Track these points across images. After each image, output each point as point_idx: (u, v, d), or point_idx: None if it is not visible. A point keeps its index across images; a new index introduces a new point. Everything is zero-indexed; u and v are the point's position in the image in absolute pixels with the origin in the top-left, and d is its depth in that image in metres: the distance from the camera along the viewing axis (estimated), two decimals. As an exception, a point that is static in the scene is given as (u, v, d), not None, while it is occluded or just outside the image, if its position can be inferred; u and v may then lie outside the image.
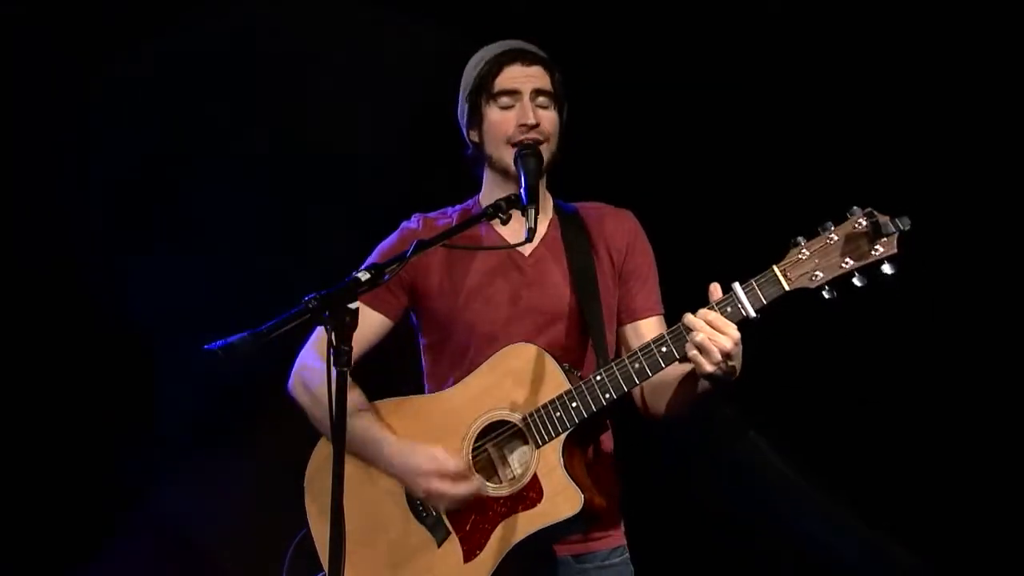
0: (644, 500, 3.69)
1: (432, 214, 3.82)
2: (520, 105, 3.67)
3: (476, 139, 3.76)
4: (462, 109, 3.78)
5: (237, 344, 2.99)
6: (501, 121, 3.68)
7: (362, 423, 3.64)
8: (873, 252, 3.30)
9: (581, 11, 5.21)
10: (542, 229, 3.76)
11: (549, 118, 3.69)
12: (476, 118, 3.73)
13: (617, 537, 3.72)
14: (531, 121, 3.65)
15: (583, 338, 3.71)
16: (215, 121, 5.37)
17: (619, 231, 3.80)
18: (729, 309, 3.39)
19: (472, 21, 5.14)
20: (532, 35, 3.86)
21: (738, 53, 5.17)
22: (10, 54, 5.34)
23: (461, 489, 3.54)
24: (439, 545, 3.59)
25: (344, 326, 3.04)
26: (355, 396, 3.66)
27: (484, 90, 3.70)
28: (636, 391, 3.67)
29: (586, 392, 3.52)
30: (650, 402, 3.68)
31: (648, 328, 3.75)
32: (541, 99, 3.69)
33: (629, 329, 3.76)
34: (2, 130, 5.37)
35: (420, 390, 3.81)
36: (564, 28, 5.11)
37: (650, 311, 3.77)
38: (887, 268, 3.30)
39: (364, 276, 3.14)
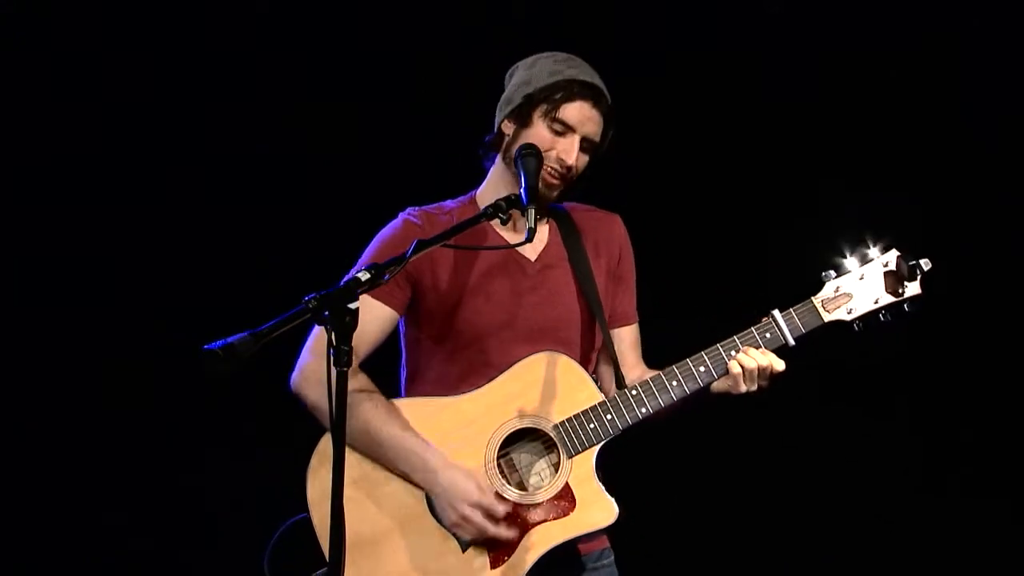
0: (628, 500, 3.68)
1: (430, 208, 3.78)
2: (570, 139, 3.64)
3: (508, 131, 3.70)
4: (511, 97, 3.71)
5: (237, 344, 2.97)
6: (547, 140, 3.64)
7: (394, 431, 3.58)
8: (901, 292, 3.59)
9: (590, 12, 5.21)
10: (543, 234, 3.75)
11: (584, 161, 3.69)
12: (522, 117, 3.67)
13: (603, 540, 3.73)
14: (571, 162, 3.63)
15: (591, 342, 3.73)
16: (214, 119, 5.38)
17: (612, 235, 3.82)
18: (768, 335, 3.57)
19: (472, 16, 5.16)
20: (535, 32, 3.85)
21: (744, 53, 5.18)
22: (10, 53, 5.35)
23: (502, 532, 3.53)
24: (463, 550, 3.56)
25: (344, 326, 3.03)
26: (381, 400, 3.62)
27: (546, 104, 3.64)
28: None
29: (621, 405, 3.56)
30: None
31: (627, 335, 3.81)
32: (586, 144, 3.68)
33: (612, 333, 3.77)
34: (2, 128, 5.38)
35: (396, 381, 3.80)
36: (570, 27, 5.11)
37: (631, 318, 3.82)
38: (909, 307, 3.60)
39: (364, 276, 3.13)
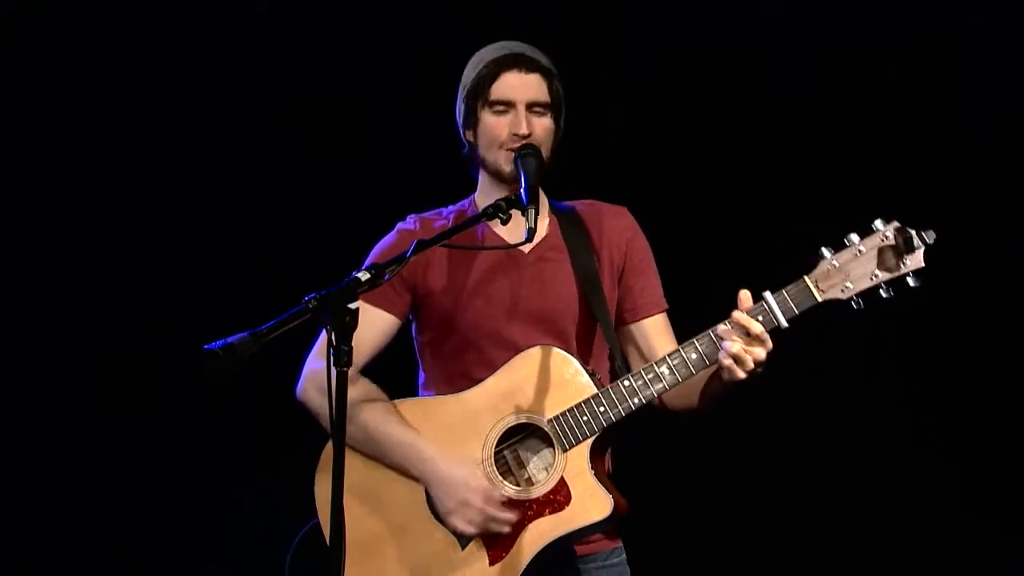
0: (638, 499, 3.67)
1: (427, 214, 3.82)
2: (514, 113, 3.67)
3: (471, 139, 3.76)
4: (459, 108, 3.78)
5: (237, 344, 2.97)
6: (495, 125, 3.68)
7: (389, 428, 3.62)
8: (902, 265, 3.38)
9: (590, 12, 5.21)
10: (541, 229, 3.75)
11: (542, 125, 3.69)
12: (472, 120, 3.73)
13: (615, 539, 3.71)
14: (523, 131, 3.65)
15: (590, 336, 3.71)
16: (214, 119, 5.38)
17: (617, 228, 3.79)
18: (760, 318, 3.42)
19: (472, 16, 5.15)
20: (535, 32, 3.85)
21: (744, 53, 5.17)
22: (10, 53, 5.35)
23: (505, 515, 3.52)
24: (462, 548, 3.56)
25: (344, 326, 3.04)
26: (381, 399, 3.67)
27: (480, 94, 3.70)
28: None
29: (614, 397, 3.52)
30: (668, 400, 3.66)
31: (654, 326, 3.75)
32: (537, 108, 3.69)
33: (634, 328, 3.75)
34: (2, 128, 5.37)
35: (413, 387, 3.81)
36: (570, 27, 5.11)
37: (655, 307, 3.76)
38: (912, 281, 3.39)
39: (364, 276, 3.14)
